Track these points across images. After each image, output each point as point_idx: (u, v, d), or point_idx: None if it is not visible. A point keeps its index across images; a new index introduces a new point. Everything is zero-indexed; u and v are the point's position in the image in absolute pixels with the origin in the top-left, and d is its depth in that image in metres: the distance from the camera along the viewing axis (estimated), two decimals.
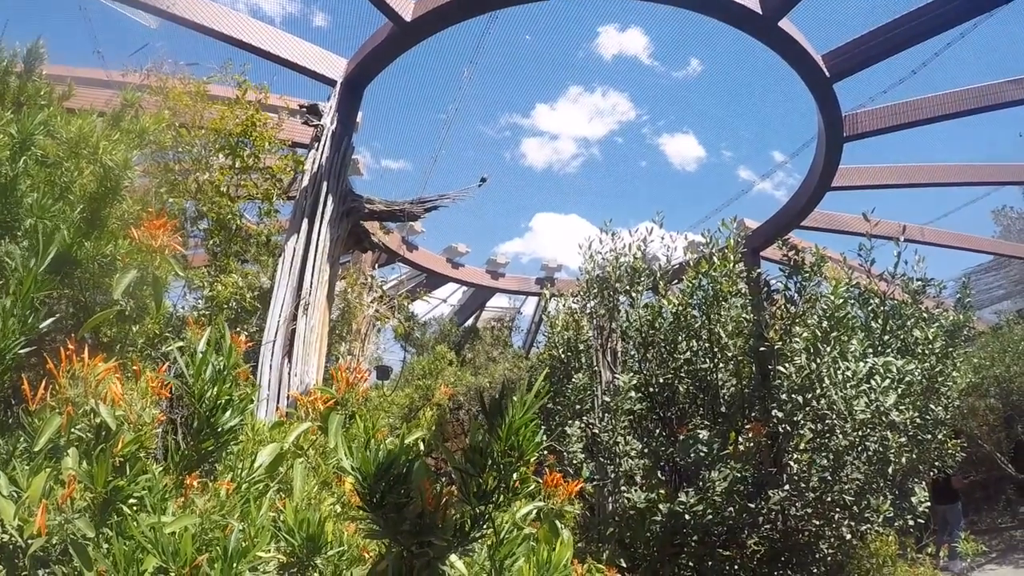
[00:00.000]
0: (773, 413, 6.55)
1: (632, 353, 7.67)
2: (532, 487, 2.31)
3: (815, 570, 6.83)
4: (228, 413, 2.38)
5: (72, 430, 2.09)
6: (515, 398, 1.65)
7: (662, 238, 7.77)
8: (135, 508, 2.01)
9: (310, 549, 1.88)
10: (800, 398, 6.33)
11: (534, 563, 1.86)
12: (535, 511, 2.39)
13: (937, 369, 7.51)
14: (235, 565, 1.81)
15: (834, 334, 6.44)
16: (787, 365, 6.38)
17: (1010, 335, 15.58)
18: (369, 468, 1.64)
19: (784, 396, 6.43)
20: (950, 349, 7.79)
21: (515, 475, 1.69)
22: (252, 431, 2.73)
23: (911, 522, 7.34)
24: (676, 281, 7.80)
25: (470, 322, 18.15)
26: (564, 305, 8.48)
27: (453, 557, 1.91)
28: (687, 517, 6.27)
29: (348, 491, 2.80)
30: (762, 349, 6.69)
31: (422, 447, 2.27)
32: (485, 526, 1.77)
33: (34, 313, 2.68)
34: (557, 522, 2.43)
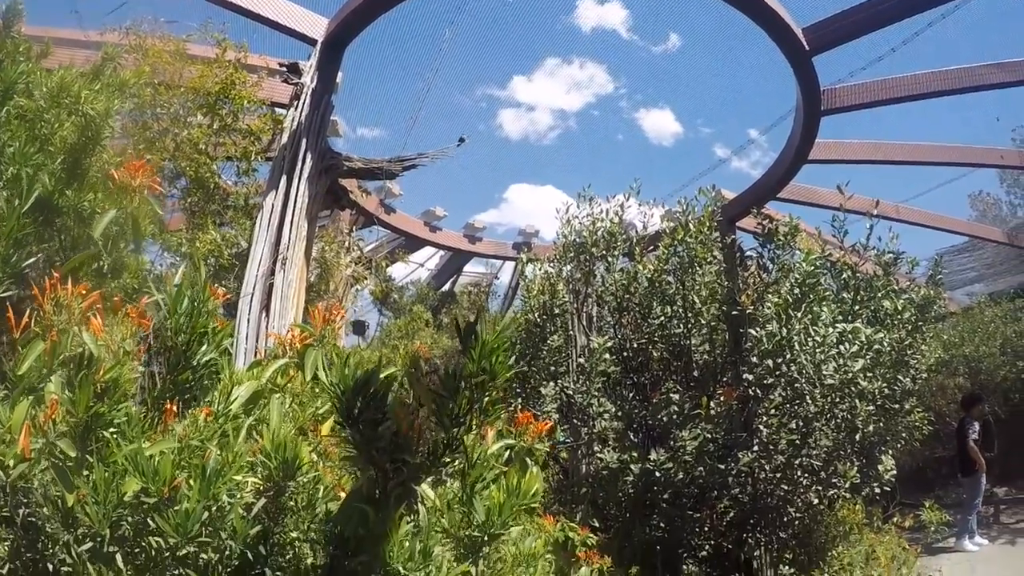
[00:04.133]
0: (744, 376, 6.65)
1: (607, 318, 7.75)
2: (502, 421, 2.38)
3: (783, 535, 6.97)
4: (204, 347, 2.43)
5: (55, 359, 2.13)
6: (488, 322, 1.71)
7: (639, 205, 7.84)
8: (115, 436, 2.06)
9: (286, 473, 1.93)
10: (771, 362, 6.43)
11: (503, 489, 1.93)
12: (507, 450, 2.45)
13: (907, 342, 7.62)
14: (213, 485, 1.87)
15: (805, 302, 6.54)
16: (758, 329, 6.47)
17: (981, 316, 15.82)
18: (347, 383, 1.69)
19: (755, 359, 6.53)
20: (920, 323, 7.90)
21: (487, 397, 1.75)
22: (230, 378, 2.78)
23: (878, 490, 7.46)
24: (652, 248, 7.86)
25: (447, 287, 18.16)
26: (540, 269, 8.54)
27: (424, 486, 1.98)
28: (658, 475, 6.36)
29: (324, 436, 2.86)
30: (734, 313, 6.79)
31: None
32: (457, 449, 1.84)
33: (17, 252, 2.71)
34: (527, 460, 2.50)
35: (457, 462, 1.90)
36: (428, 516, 1.86)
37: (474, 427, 1.80)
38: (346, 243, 8.46)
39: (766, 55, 9.47)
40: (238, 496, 2.02)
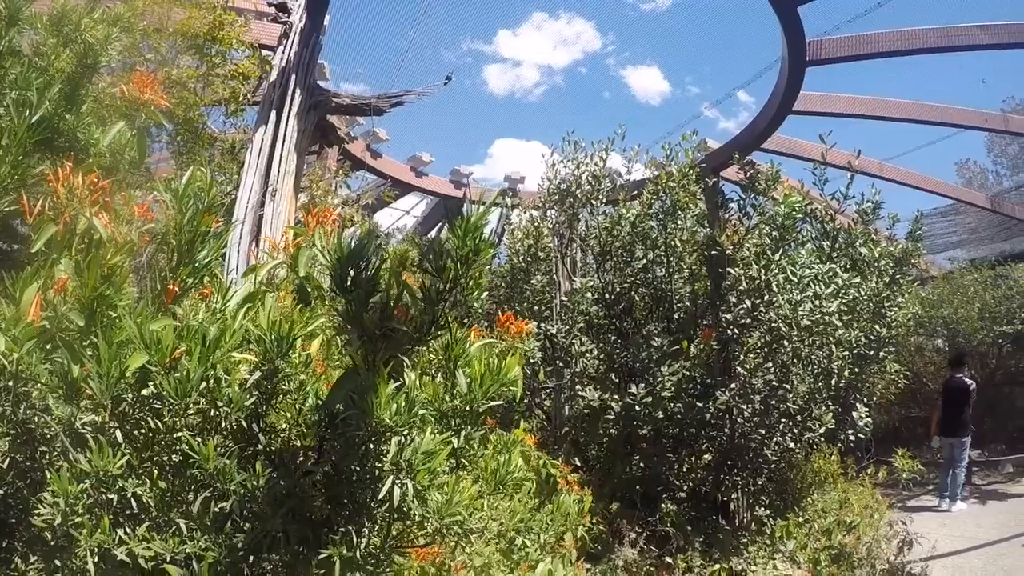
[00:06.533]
0: (723, 317, 6.80)
1: (591, 264, 7.87)
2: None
3: (760, 479, 7.17)
4: (205, 251, 2.54)
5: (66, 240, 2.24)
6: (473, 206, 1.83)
7: (624, 150, 7.93)
8: (120, 314, 2.18)
9: (280, 348, 2.05)
10: (749, 303, 6.57)
11: (483, 365, 2.06)
12: (488, 347, 2.58)
13: (884, 294, 7.78)
14: (212, 354, 1.99)
15: (784, 245, 6.66)
16: (738, 270, 6.61)
17: (960, 281, 15.94)
18: (341, 252, 1.82)
19: (734, 299, 6.67)
20: (897, 276, 8.05)
21: (471, 272, 1.87)
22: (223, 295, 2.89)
23: (852, 438, 7.65)
24: (635, 195, 7.96)
25: (433, 233, 18.15)
26: (526, 213, 8.65)
27: (410, 372, 2.11)
28: (638, 409, 6.51)
29: (315, 353, 2.98)
30: (714, 254, 6.91)
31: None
32: (443, 326, 1.97)
33: (25, 158, 2.80)
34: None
35: (442, 338, 2.03)
36: (414, 385, 1.99)
37: (459, 301, 1.92)
38: (333, 185, 8.54)
39: (755, 14, 9.47)
40: (234, 373, 2.14)
